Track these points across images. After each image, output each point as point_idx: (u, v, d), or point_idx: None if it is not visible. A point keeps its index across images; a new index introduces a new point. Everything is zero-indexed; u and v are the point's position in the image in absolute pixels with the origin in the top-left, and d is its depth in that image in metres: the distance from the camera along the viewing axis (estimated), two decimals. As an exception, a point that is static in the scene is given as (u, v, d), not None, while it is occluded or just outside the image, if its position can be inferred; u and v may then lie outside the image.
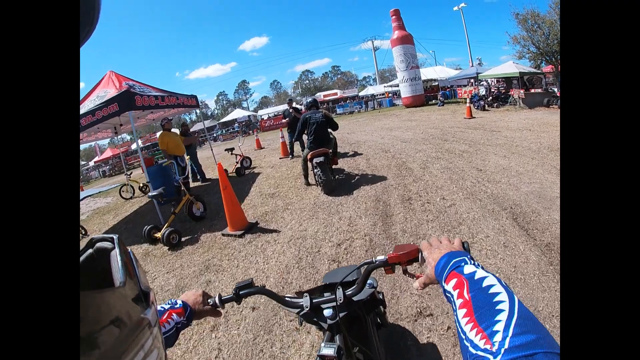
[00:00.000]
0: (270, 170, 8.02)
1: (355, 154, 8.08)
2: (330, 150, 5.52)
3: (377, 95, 33.10)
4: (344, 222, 4.07)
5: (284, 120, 9.24)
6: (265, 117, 33.10)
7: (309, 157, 5.29)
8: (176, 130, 8.62)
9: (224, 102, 73.65)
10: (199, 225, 5.14)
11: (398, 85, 23.25)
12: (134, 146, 38.07)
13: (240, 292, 0.96)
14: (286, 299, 1.02)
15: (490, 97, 15.35)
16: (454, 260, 0.63)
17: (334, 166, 6.04)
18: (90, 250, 0.40)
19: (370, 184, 5.37)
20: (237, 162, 8.68)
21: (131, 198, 9.56)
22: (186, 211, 5.20)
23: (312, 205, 4.84)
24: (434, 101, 21.36)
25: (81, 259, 0.40)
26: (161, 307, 0.86)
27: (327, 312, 0.95)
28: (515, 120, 10.77)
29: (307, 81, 72.48)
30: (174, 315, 0.86)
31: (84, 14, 0.30)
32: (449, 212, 3.88)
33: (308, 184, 5.84)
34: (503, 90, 16.08)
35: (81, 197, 12.56)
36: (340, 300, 0.95)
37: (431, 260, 0.70)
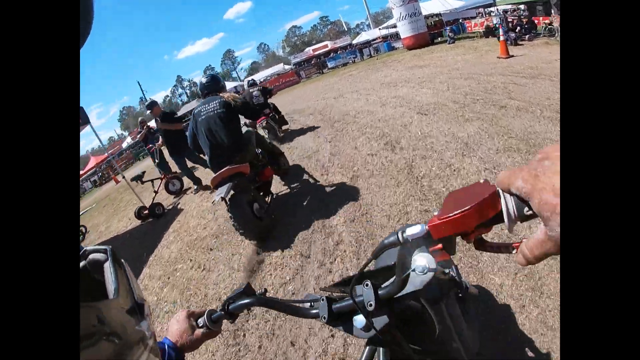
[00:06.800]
0: (197, 204, 4.72)
1: (332, 156, 4.52)
2: (248, 164, 3.04)
3: (372, 40, 28.52)
4: None
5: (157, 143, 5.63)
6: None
7: (211, 185, 3.05)
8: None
9: (213, 76, 68.49)
10: None
11: (395, 26, 19.54)
12: (124, 144, 35.28)
13: (230, 307, 0.71)
14: (296, 306, 0.69)
15: (518, 28, 11.68)
16: None
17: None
18: (83, 262, 0.40)
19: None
20: (155, 191, 5.27)
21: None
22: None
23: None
24: (440, 39, 17.99)
25: None
26: None
27: (357, 322, 0.59)
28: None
29: (295, 38, 65.89)
30: None
31: (83, 12, 0.29)
32: None
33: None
34: (525, 20, 12.59)
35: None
36: (372, 305, 0.56)
37: (548, 192, 0.31)
